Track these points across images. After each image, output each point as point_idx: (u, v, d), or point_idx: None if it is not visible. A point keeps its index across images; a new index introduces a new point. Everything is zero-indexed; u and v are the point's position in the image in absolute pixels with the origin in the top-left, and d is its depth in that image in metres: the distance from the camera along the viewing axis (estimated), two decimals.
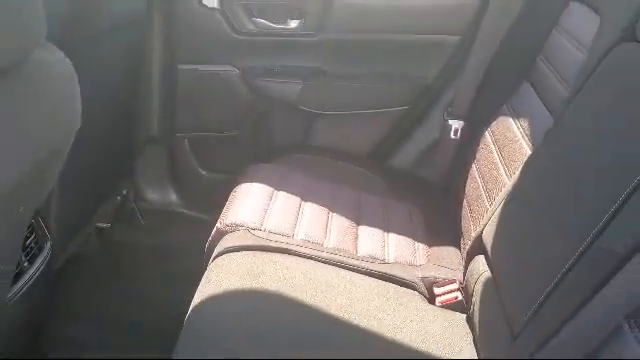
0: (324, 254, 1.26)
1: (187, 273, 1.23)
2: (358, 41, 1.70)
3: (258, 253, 1.22)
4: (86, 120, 0.87)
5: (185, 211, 1.90)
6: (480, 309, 1.10)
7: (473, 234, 1.26)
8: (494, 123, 1.45)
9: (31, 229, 1.14)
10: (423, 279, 1.27)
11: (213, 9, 1.64)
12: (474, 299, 1.14)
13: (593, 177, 0.91)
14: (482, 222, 1.23)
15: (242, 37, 1.68)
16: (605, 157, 0.91)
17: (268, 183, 1.46)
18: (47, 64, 0.65)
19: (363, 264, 1.26)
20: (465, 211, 1.40)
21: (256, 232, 1.29)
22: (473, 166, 1.46)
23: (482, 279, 1.14)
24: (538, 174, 1.09)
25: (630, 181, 0.81)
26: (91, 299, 1.63)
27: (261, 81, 1.74)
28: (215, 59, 1.73)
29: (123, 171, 1.82)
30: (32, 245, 1.14)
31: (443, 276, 1.29)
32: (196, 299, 1.11)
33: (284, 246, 1.25)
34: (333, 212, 1.42)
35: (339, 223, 1.39)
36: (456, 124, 1.66)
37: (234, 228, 1.30)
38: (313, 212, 1.40)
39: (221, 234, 1.31)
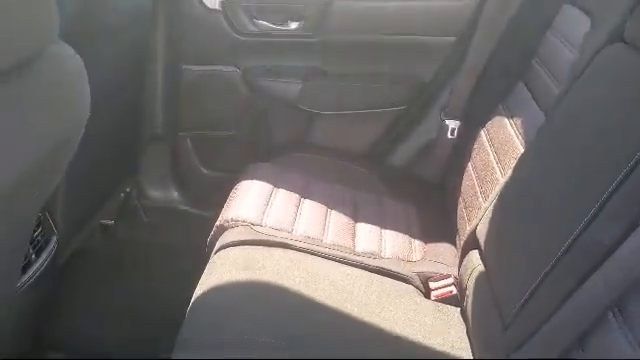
0: (323, 249, 1.30)
1: (189, 269, 1.25)
2: (356, 42, 1.73)
3: (258, 247, 1.25)
4: (91, 118, 0.90)
5: (187, 208, 1.92)
6: (473, 302, 1.14)
7: (467, 230, 1.30)
8: (489, 123, 1.48)
9: (38, 223, 1.17)
10: (419, 274, 1.31)
11: (215, 10, 1.68)
12: (468, 292, 1.17)
13: (581, 172, 0.95)
14: (476, 218, 1.27)
15: (243, 38, 1.71)
16: (592, 153, 0.95)
17: (268, 181, 1.49)
18: (59, 59, 0.68)
19: (360, 259, 1.30)
20: (460, 208, 1.44)
21: (256, 228, 1.32)
22: (469, 165, 1.49)
23: (475, 273, 1.17)
24: (529, 171, 1.13)
25: (616, 175, 0.85)
26: (94, 293, 1.66)
27: (261, 81, 1.77)
28: (217, 59, 1.76)
29: (127, 169, 1.85)
30: (39, 238, 1.17)
31: (438, 271, 1.32)
32: (198, 290, 1.14)
33: (284, 241, 1.29)
34: (331, 209, 1.46)
35: (337, 220, 1.42)
36: (452, 124, 1.69)
37: (235, 224, 1.34)
38: (312, 209, 1.43)
39: (222, 229, 1.35)
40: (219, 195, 1.50)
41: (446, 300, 1.25)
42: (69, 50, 0.70)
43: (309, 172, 1.60)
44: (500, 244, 1.12)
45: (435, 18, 1.71)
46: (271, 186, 1.47)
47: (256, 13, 1.70)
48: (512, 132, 1.35)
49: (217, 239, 1.33)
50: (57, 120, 0.70)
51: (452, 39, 1.71)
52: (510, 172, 1.20)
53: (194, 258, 1.31)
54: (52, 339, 1.47)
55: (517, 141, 1.30)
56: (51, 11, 0.64)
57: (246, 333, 1.04)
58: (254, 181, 1.49)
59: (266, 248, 1.25)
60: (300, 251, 1.27)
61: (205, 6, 1.67)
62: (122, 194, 1.84)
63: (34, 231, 1.14)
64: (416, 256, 1.38)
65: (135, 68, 1.69)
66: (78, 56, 0.71)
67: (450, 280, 1.29)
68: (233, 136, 1.87)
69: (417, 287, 1.27)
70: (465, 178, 1.48)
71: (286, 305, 1.12)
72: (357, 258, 1.30)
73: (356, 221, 1.44)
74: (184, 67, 1.76)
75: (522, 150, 1.25)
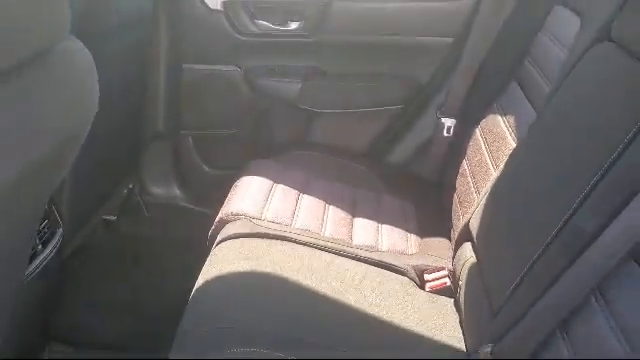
0: (320, 242, 1.33)
1: (190, 264, 1.28)
2: (355, 42, 1.77)
3: (258, 240, 1.29)
4: (96, 117, 0.94)
5: (188, 205, 1.96)
6: (465, 292, 1.17)
7: (461, 224, 1.34)
8: (484, 121, 1.52)
9: (44, 215, 1.21)
10: (414, 266, 1.34)
11: (217, 11, 1.72)
12: (460, 283, 1.21)
13: (568, 166, 0.99)
14: (469, 212, 1.30)
15: (244, 38, 1.75)
16: (578, 148, 0.98)
17: (268, 177, 1.53)
18: (69, 53, 0.72)
19: (357, 252, 1.34)
20: (455, 203, 1.47)
21: (256, 221, 1.36)
22: (464, 162, 1.53)
23: (468, 265, 1.21)
24: (519, 165, 1.17)
25: (599, 168, 0.89)
26: (97, 287, 1.70)
27: (262, 80, 1.81)
28: (218, 59, 1.79)
29: (130, 166, 1.89)
30: (45, 230, 1.21)
31: (433, 264, 1.36)
32: (199, 281, 1.18)
33: (283, 234, 1.32)
34: (330, 205, 1.49)
35: (335, 215, 1.46)
36: (448, 122, 1.73)
37: (235, 217, 1.37)
38: (310, 204, 1.47)
39: (223, 223, 1.38)
40: (220, 192, 1.53)
41: (440, 291, 1.29)
42: (78, 44, 0.74)
43: (309, 169, 1.63)
44: (491, 235, 1.16)
45: (433, 19, 1.74)
46: (271, 182, 1.51)
47: (257, 13, 1.74)
48: (505, 129, 1.39)
49: (218, 232, 1.37)
50: (68, 113, 0.73)
51: (449, 40, 1.75)
52: (502, 167, 1.24)
53: (195, 254, 1.34)
54: (56, 331, 1.50)
55: (510, 138, 1.34)
56: (63, 7, 0.68)
57: (245, 322, 1.07)
58: (254, 177, 1.52)
59: (265, 240, 1.29)
60: (298, 243, 1.31)
61: (207, 6, 1.70)
62: (125, 190, 1.88)
63: (40, 223, 1.17)
64: (412, 250, 1.42)
65: (138, 68, 1.73)
66: (88, 51, 0.75)
67: (444, 272, 1.32)
68: (234, 134, 1.91)
69: (412, 279, 1.31)
70: (460, 175, 1.52)
71: (285, 294, 1.16)
72: (354, 250, 1.33)
73: (354, 216, 1.48)
74: (186, 67, 1.79)
75: (514, 145, 1.29)
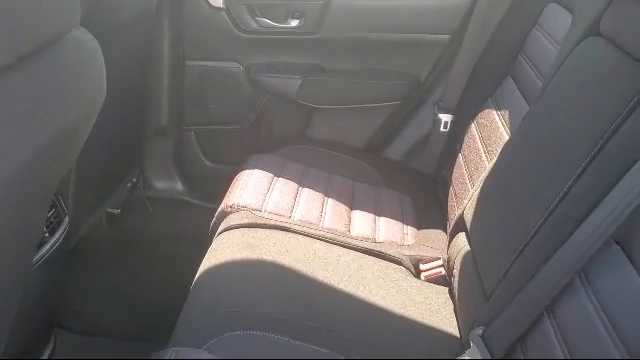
0: (319, 232, 1.37)
1: (192, 256, 1.31)
2: (354, 40, 1.81)
3: (258, 230, 1.33)
4: (100, 111, 0.97)
5: (190, 199, 1.99)
6: (459, 280, 1.21)
7: (456, 215, 1.37)
8: (479, 115, 1.55)
9: (51, 205, 1.25)
10: (410, 256, 1.38)
11: (219, 9, 1.75)
12: (455, 272, 1.24)
13: (557, 155, 1.02)
14: (464, 203, 1.34)
15: (246, 35, 1.79)
16: (566, 138, 1.02)
17: (268, 170, 1.56)
18: (79, 42, 0.76)
19: (354, 242, 1.37)
20: (451, 196, 1.51)
21: (256, 212, 1.40)
22: (459, 155, 1.56)
23: (462, 253, 1.24)
24: (512, 156, 1.20)
25: (586, 157, 0.93)
26: (101, 278, 1.73)
27: (263, 77, 1.84)
28: (220, 56, 1.83)
29: (133, 160, 1.93)
30: (52, 219, 1.24)
31: (429, 254, 1.40)
32: (201, 268, 1.21)
33: (282, 224, 1.36)
34: (328, 197, 1.53)
35: (334, 207, 1.49)
36: (446, 117, 1.76)
37: (236, 209, 1.41)
38: (309, 197, 1.51)
39: (224, 214, 1.42)
40: (222, 187, 1.56)
41: (435, 280, 1.32)
42: (87, 34, 0.77)
43: (308, 163, 1.67)
44: (483, 224, 1.19)
45: (431, 17, 1.78)
46: (271, 175, 1.55)
47: (258, 11, 1.77)
48: (499, 123, 1.43)
49: (219, 224, 1.41)
50: (78, 98, 0.77)
51: (447, 37, 1.78)
52: (495, 158, 1.28)
53: (197, 247, 1.36)
54: (61, 320, 1.54)
55: (503, 131, 1.38)
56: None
57: (245, 307, 1.11)
58: (255, 170, 1.56)
59: (265, 230, 1.33)
60: (297, 233, 1.34)
61: (209, 4, 1.74)
62: (129, 184, 1.92)
63: (47, 212, 1.21)
64: (408, 241, 1.45)
65: (141, 64, 1.76)
66: (96, 41, 0.79)
67: (439, 262, 1.36)
68: (235, 130, 1.94)
69: (408, 268, 1.34)
70: (456, 168, 1.55)
71: (284, 281, 1.20)
72: (351, 241, 1.37)
73: (352, 208, 1.51)
74: (188, 63, 1.83)
75: (507, 137, 1.32)
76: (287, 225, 1.36)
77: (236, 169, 1.62)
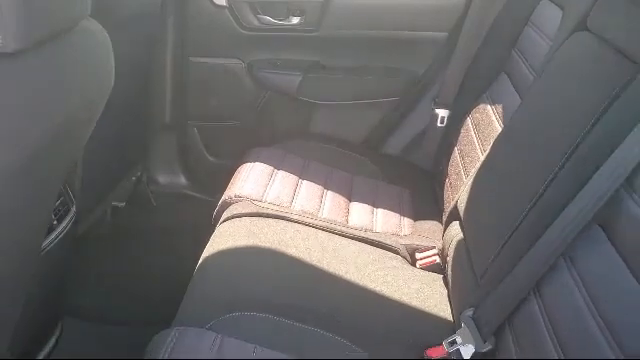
0: (318, 222, 1.41)
1: (194, 248, 1.35)
2: (354, 37, 1.85)
3: (259, 219, 1.37)
4: (105, 106, 1.02)
5: (193, 193, 2.04)
6: (452, 266, 1.25)
7: (451, 205, 1.41)
8: (474, 110, 1.59)
9: (59, 195, 1.29)
10: (406, 246, 1.42)
11: (222, 7, 1.80)
12: (448, 258, 1.29)
13: (543, 145, 1.07)
14: (458, 193, 1.38)
15: (247, 32, 1.83)
16: (553, 128, 1.06)
17: (269, 163, 1.61)
18: (90, 32, 0.80)
19: (352, 231, 1.41)
20: (447, 188, 1.55)
21: (257, 203, 1.44)
22: (455, 149, 1.61)
23: (455, 241, 1.29)
24: (502, 147, 1.25)
25: (570, 145, 0.97)
26: (105, 270, 1.78)
27: (264, 73, 1.88)
28: (223, 53, 1.87)
29: (137, 155, 1.97)
30: (60, 208, 1.29)
31: (424, 244, 1.44)
32: (204, 254, 1.26)
33: (282, 214, 1.40)
34: (328, 189, 1.57)
35: (333, 198, 1.54)
36: (442, 113, 1.80)
37: (238, 199, 1.46)
38: (309, 189, 1.55)
39: (226, 205, 1.47)
40: (223, 181, 1.61)
41: (430, 268, 1.37)
42: (97, 25, 0.82)
43: (308, 157, 1.71)
44: (476, 212, 1.24)
45: (428, 15, 1.82)
46: (272, 167, 1.59)
47: (260, 9, 1.82)
48: (493, 117, 1.47)
49: (222, 214, 1.45)
50: (88, 86, 0.82)
51: (443, 34, 1.82)
52: (488, 150, 1.32)
53: (199, 239, 1.39)
54: (69, 307, 1.58)
55: (497, 125, 1.42)
56: None
57: (246, 291, 1.15)
58: (257, 163, 1.61)
59: (266, 220, 1.37)
60: (297, 223, 1.39)
61: (212, 2, 1.78)
62: (133, 179, 1.96)
63: (56, 200, 1.25)
64: (405, 231, 1.49)
65: (146, 60, 1.81)
66: (106, 32, 0.83)
67: (434, 251, 1.40)
68: (237, 125, 1.99)
69: (404, 257, 1.39)
70: (452, 161, 1.59)
71: (284, 267, 1.24)
72: (349, 230, 1.41)
73: (350, 200, 1.56)
74: (191, 60, 1.88)
75: (500, 130, 1.37)
76: (287, 215, 1.40)
77: (238, 163, 1.66)
